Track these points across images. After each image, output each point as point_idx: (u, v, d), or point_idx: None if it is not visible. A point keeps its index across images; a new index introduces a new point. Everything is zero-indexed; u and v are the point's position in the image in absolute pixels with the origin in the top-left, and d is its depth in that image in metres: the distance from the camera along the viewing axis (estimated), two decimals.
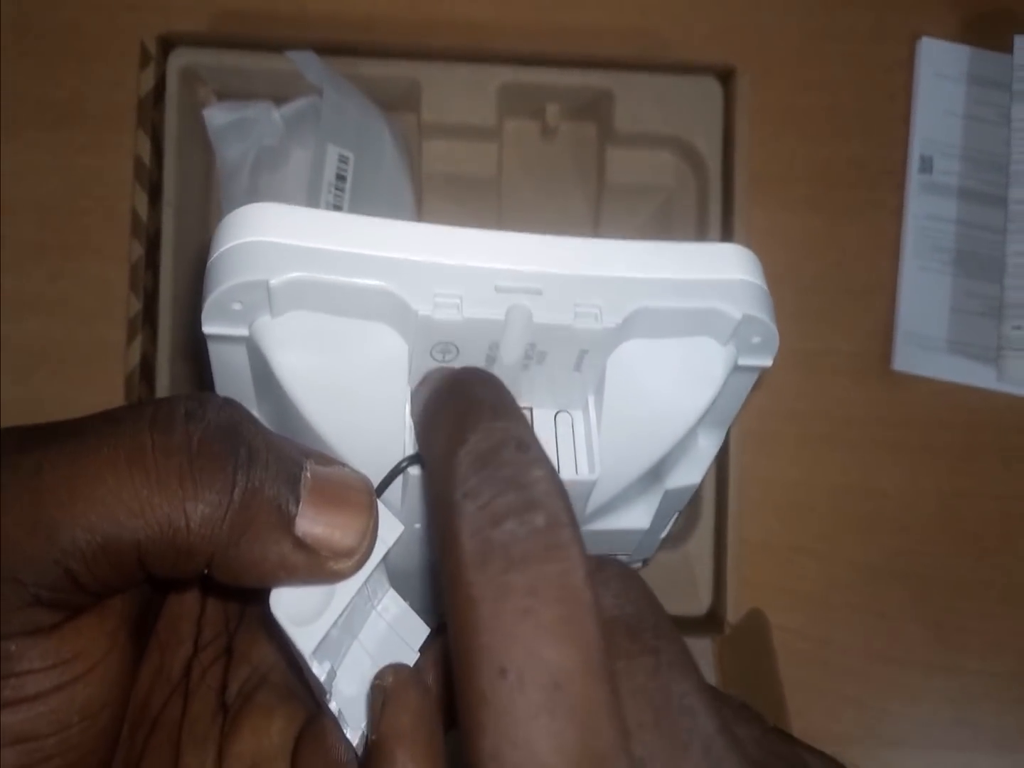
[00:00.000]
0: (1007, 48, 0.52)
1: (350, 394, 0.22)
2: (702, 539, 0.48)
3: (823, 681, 0.50)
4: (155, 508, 0.19)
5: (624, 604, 0.18)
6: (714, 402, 0.24)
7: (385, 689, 0.21)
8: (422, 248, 0.21)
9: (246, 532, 0.19)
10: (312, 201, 0.46)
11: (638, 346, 0.23)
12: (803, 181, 0.52)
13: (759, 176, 0.49)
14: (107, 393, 0.47)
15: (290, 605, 0.21)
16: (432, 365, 0.22)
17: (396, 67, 0.48)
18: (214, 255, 0.21)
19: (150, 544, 0.19)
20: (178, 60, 0.46)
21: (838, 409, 0.51)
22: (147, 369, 0.46)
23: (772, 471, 0.50)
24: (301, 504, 0.20)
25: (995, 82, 0.53)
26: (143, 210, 0.45)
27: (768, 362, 0.25)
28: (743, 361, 0.24)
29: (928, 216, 0.52)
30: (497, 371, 0.22)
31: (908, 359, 0.52)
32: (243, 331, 0.22)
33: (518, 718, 0.15)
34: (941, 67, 0.53)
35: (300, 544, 0.20)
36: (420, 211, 0.49)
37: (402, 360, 0.22)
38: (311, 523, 0.20)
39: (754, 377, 0.26)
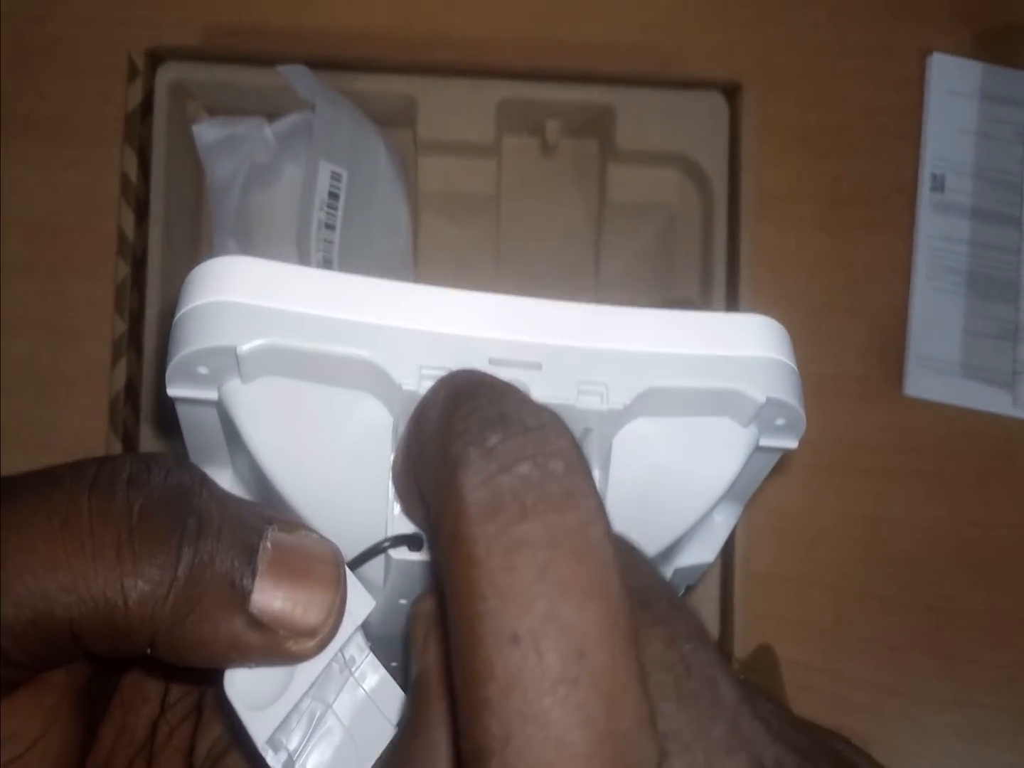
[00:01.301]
0: (1020, 64, 0.52)
1: (329, 467, 0.20)
2: (708, 571, 0.46)
3: (833, 717, 0.47)
4: (89, 583, 0.17)
5: (631, 576, 0.16)
6: (732, 484, 0.22)
7: (427, 616, 0.18)
8: (408, 314, 0.19)
9: (193, 610, 0.18)
10: (304, 220, 0.44)
11: (648, 424, 0.21)
12: (811, 200, 0.51)
13: (766, 194, 0.48)
14: (92, 416, 0.46)
15: (246, 685, 0.19)
16: None
17: (391, 82, 0.47)
18: (179, 313, 0.19)
19: (84, 622, 0.17)
20: (167, 74, 0.46)
21: (848, 435, 0.50)
22: (132, 392, 0.45)
23: (780, 499, 0.49)
24: (257, 577, 0.18)
25: (1008, 98, 0.52)
26: (129, 228, 0.45)
27: (793, 444, 0.23)
28: (765, 442, 0.23)
29: (940, 236, 0.52)
30: None
31: (920, 384, 0.51)
32: (212, 394, 0.20)
33: (533, 690, 0.13)
34: (952, 83, 0.52)
35: (255, 622, 0.18)
36: (416, 230, 0.48)
37: (386, 432, 0.20)
38: (268, 598, 0.18)
39: (776, 457, 0.24)
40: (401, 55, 0.48)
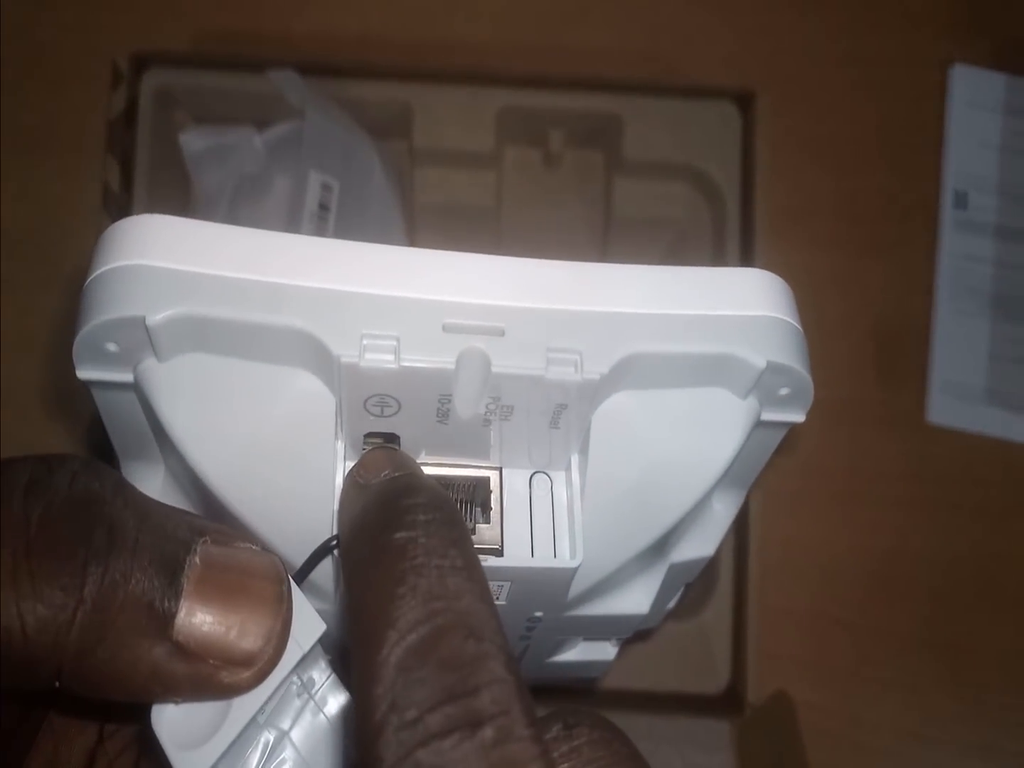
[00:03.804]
0: None
1: (264, 457, 0.18)
2: (719, 607, 0.46)
3: (852, 764, 0.47)
4: None
5: None
6: (730, 466, 0.20)
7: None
8: (345, 274, 0.17)
9: (104, 638, 0.15)
10: (292, 232, 0.43)
11: (632, 398, 0.19)
12: (828, 216, 0.50)
13: (780, 209, 0.47)
14: (72, 438, 0.45)
15: (176, 720, 0.17)
16: (367, 420, 0.18)
17: (387, 89, 0.46)
18: (86, 281, 0.17)
19: None
20: (152, 80, 0.45)
21: (868, 464, 0.49)
22: None
23: (796, 532, 0.47)
24: (183, 598, 0.16)
25: None
26: None
27: (800, 417, 0.21)
28: (768, 416, 0.20)
29: (963, 255, 0.50)
30: (452, 426, 0.18)
31: (944, 410, 0.49)
32: (126, 376, 0.18)
33: None
34: (975, 96, 0.51)
35: (180, 650, 0.16)
36: (412, 245, 0.46)
37: (327, 414, 0.18)
38: (195, 622, 0.16)
39: (781, 433, 0.22)
40: (397, 60, 0.47)
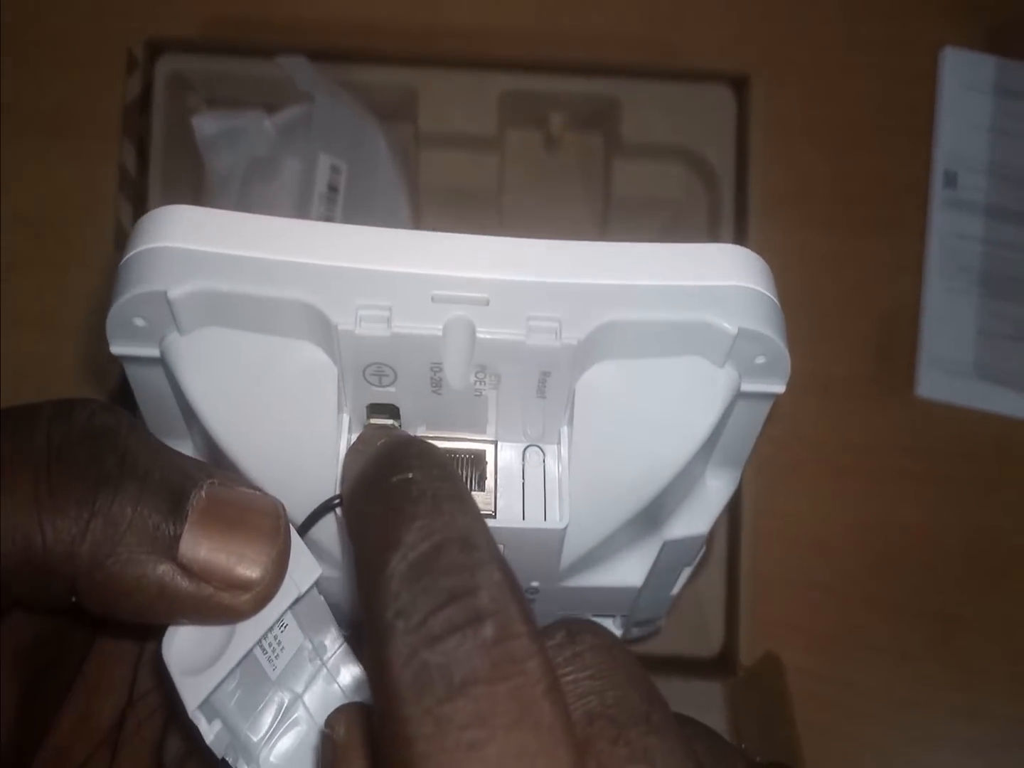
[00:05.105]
0: None
1: (273, 422, 0.19)
2: (713, 575, 0.46)
3: (842, 726, 0.48)
4: (7, 519, 0.17)
5: (604, 689, 0.16)
6: (713, 435, 0.21)
7: (335, 743, 0.17)
8: (343, 252, 0.18)
9: (113, 551, 0.17)
10: (302, 213, 0.44)
11: (614, 368, 0.20)
12: (821, 197, 0.50)
13: (774, 191, 0.47)
14: None
15: (183, 649, 0.18)
16: (368, 390, 0.20)
17: (392, 74, 0.46)
18: (119, 265, 0.19)
19: (3, 560, 0.17)
20: (166, 66, 0.46)
21: (859, 437, 0.49)
22: (131, 387, 0.44)
23: (788, 503, 0.48)
24: (187, 524, 0.18)
25: (1023, 93, 0.51)
26: (127, 221, 0.44)
27: (779, 388, 0.21)
28: (748, 387, 0.21)
29: (953, 234, 0.51)
30: (446, 397, 0.20)
31: (933, 385, 0.50)
32: (153, 351, 0.19)
33: None
34: (966, 78, 0.51)
35: (184, 570, 0.18)
36: (417, 225, 0.47)
37: (330, 383, 0.19)
38: (198, 546, 0.18)
39: (766, 406, 0.22)
40: (402, 46, 0.48)
